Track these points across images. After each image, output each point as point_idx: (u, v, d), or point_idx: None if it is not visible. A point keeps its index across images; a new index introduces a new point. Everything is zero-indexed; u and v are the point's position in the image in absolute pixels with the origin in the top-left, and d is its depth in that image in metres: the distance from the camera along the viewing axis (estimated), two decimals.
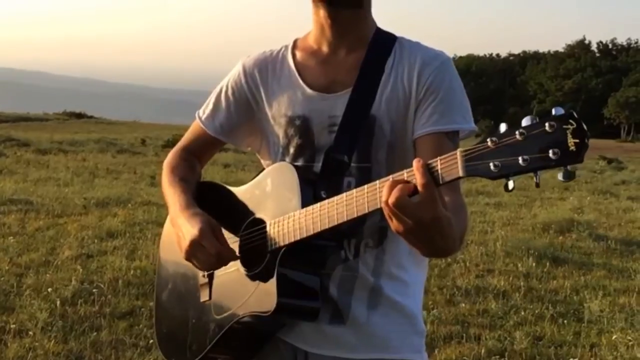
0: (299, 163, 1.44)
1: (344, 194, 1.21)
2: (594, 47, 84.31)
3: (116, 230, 6.84)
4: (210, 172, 12.07)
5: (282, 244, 1.31)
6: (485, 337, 4.33)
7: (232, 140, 1.59)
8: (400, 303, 1.44)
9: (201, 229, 1.35)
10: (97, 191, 9.44)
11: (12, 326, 4.02)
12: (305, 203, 1.29)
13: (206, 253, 1.34)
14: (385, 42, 1.46)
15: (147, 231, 6.86)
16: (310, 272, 1.36)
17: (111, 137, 22.18)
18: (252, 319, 1.36)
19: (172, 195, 1.49)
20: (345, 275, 1.42)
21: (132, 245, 6.28)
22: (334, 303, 1.42)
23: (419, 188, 1.06)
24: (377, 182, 1.15)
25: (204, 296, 1.48)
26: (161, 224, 1.68)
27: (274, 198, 1.38)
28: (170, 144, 18.52)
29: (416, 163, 1.07)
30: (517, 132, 0.99)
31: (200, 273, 1.50)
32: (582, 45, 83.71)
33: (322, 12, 1.43)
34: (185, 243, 1.36)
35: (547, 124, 0.96)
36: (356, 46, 1.45)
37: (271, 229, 1.34)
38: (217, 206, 1.48)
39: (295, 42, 1.54)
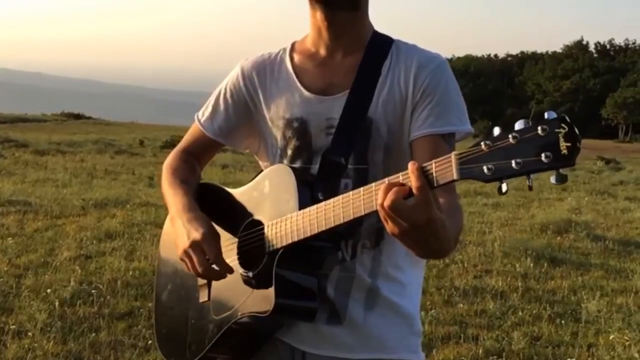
0: (297, 165, 1.46)
1: (341, 196, 1.22)
2: (591, 47, 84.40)
3: (115, 231, 6.84)
4: (209, 173, 12.08)
5: (280, 245, 1.33)
6: (483, 338, 4.35)
7: (230, 142, 1.60)
8: (397, 304, 1.46)
9: (204, 233, 1.36)
10: (95, 192, 9.44)
11: (12, 327, 4.03)
12: (302, 205, 1.31)
13: (203, 257, 1.35)
14: (382, 44, 1.47)
15: (146, 232, 6.87)
16: (308, 273, 1.37)
17: (109, 138, 22.18)
18: (251, 319, 1.38)
19: (172, 196, 1.50)
20: (343, 276, 1.43)
21: (130, 246, 6.29)
22: (331, 303, 1.43)
23: (414, 191, 1.07)
24: (373, 184, 1.16)
25: (203, 297, 1.50)
26: (160, 225, 1.70)
27: (271, 200, 1.40)
28: (169, 144, 18.54)
29: (411, 166, 1.09)
30: (510, 136, 1.00)
31: None
32: (580, 46, 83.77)
33: (319, 15, 1.44)
34: (185, 242, 1.38)
35: (539, 128, 0.98)
36: (353, 49, 1.46)
37: (269, 231, 1.36)
38: (215, 207, 1.49)
39: (293, 45, 1.55)
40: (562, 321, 4.77)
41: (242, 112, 1.55)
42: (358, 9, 1.45)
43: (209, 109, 1.59)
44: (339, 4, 1.41)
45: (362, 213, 1.17)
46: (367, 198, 1.16)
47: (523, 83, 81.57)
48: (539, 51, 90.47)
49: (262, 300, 1.34)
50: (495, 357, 4.08)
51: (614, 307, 5.18)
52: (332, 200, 1.24)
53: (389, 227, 1.11)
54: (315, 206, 1.27)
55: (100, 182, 11.19)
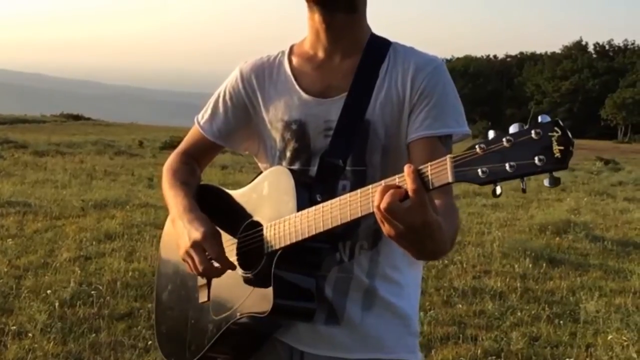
0: (296, 167, 1.47)
1: (338, 198, 1.24)
2: (590, 48, 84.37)
3: (114, 232, 6.85)
4: (208, 174, 12.08)
5: (278, 246, 1.34)
6: (481, 338, 4.36)
7: (230, 144, 1.62)
8: (395, 304, 1.47)
9: (205, 232, 1.38)
10: (94, 193, 9.45)
11: (12, 328, 4.04)
12: (301, 206, 1.32)
13: (204, 256, 1.37)
14: (379, 47, 1.48)
15: (145, 233, 6.87)
16: (306, 274, 1.39)
17: (109, 139, 22.20)
18: (250, 319, 1.39)
19: (173, 197, 1.51)
20: (341, 276, 1.45)
21: (130, 247, 6.30)
22: (329, 304, 1.44)
23: (410, 193, 1.08)
24: (370, 187, 1.18)
25: (202, 297, 1.51)
26: (159, 226, 1.72)
27: (270, 201, 1.41)
28: (168, 145, 18.54)
29: (407, 169, 1.10)
30: (504, 139, 1.01)
31: None
32: (579, 47, 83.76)
33: (317, 17, 1.45)
34: (187, 242, 1.39)
35: (533, 132, 0.99)
36: (351, 51, 1.47)
37: (268, 232, 1.37)
38: (215, 209, 1.50)
39: (291, 47, 1.57)
40: (561, 321, 4.79)
41: (241, 114, 1.56)
42: (356, 12, 1.46)
43: (209, 112, 1.61)
44: (337, 5, 1.42)
45: (359, 215, 1.19)
46: (364, 200, 1.18)
47: (522, 84, 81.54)
48: (538, 52, 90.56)
49: (261, 300, 1.35)
50: (493, 357, 4.09)
51: (613, 308, 5.20)
52: (329, 202, 1.25)
53: (385, 229, 1.12)
54: (313, 208, 1.28)
55: (100, 183, 11.20)
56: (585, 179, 16.02)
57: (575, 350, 4.28)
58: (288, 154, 1.49)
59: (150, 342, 3.95)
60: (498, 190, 1.03)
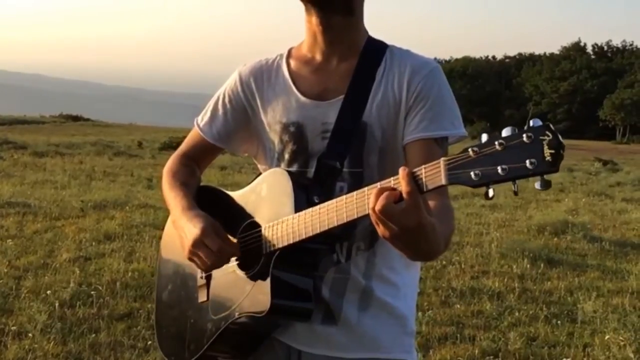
0: (294, 168, 1.49)
1: (335, 200, 1.26)
2: (589, 49, 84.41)
3: (114, 233, 6.87)
4: (207, 174, 12.08)
5: (276, 247, 1.36)
6: (479, 338, 4.38)
7: (229, 146, 1.63)
8: (391, 305, 1.49)
9: (203, 227, 1.40)
10: (94, 194, 9.47)
11: (12, 328, 4.05)
12: (298, 208, 1.34)
13: (208, 250, 1.39)
14: (376, 50, 1.50)
15: (145, 233, 6.89)
16: (304, 274, 1.41)
17: (108, 139, 22.21)
18: (248, 319, 1.41)
19: (173, 198, 1.53)
20: (338, 277, 1.46)
21: (129, 248, 6.32)
22: (326, 304, 1.46)
23: (404, 195, 1.10)
24: (366, 189, 1.19)
25: (201, 297, 1.53)
26: (158, 226, 1.74)
27: (269, 202, 1.43)
28: (167, 146, 18.56)
29: (402, 171, 1.12)
30: (496, 143, 1.03)
31: (199, 274, 1.55)
32: (577, 47, 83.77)
33: (314, 19, 1.47)
34: (188, 242, 1.41)
35: (524, 135, 1.01)
36: (348, 54, 1.49)
37: (266, 233, 1.39)
38: (215, 210, 1.52)
39: (289, 51, 1.58)
40: (558, 321, 4.81)
41: (240, 117, 1.58)
42: (353, 15, 1.48)
43: (208, 114, 1.62)
44: (334, 8, 1.44)
45: (355, 216, 1.21)
46: (360, 202, 1.20)
47: (521, 84, 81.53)
48: (536, 53, 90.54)
49: (259, 300, 1.37)
50: (491, 357, 4.11)
51: (610, 308, 5.22)
52: (326, 203, 1.27)
53: (380, 230, 1.14)
54: (310, 209, 1.30)
55: (99, 183, 11.21)
56: (584, 179, 16.06)
57: (573, 350, 4.30)
58: (286, 155, 1.51)
59: (150, 342, 3.96)
60: (490, 192, 1.05)
